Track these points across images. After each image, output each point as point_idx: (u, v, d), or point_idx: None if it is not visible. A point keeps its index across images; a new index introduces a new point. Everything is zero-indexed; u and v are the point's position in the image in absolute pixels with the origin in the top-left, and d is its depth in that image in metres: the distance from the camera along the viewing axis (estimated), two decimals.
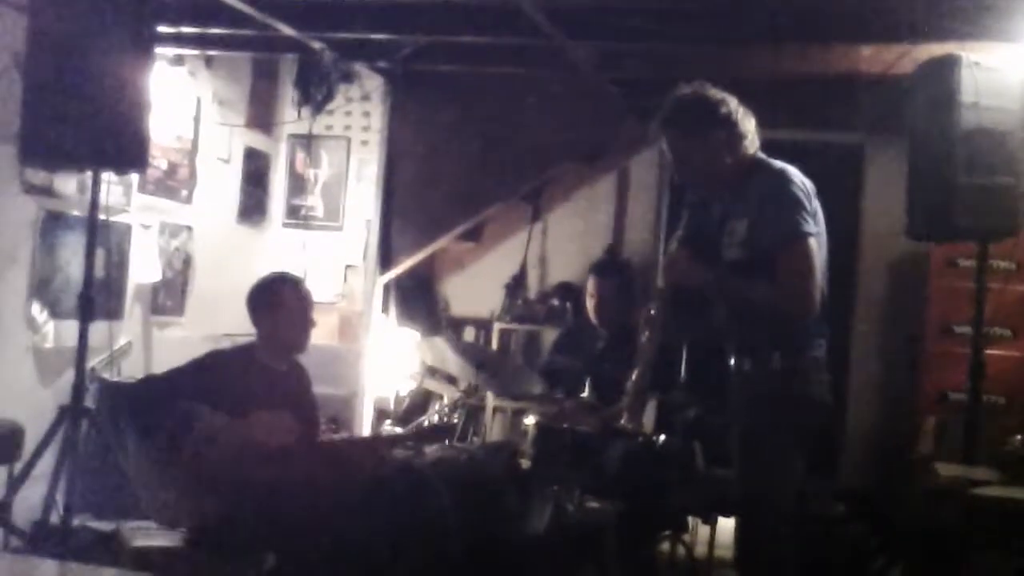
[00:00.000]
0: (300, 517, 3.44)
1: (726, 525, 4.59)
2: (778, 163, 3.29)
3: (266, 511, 3.42)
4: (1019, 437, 3.94)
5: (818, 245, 3.18)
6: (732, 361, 3.35)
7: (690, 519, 4.68)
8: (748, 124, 3.30)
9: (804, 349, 3.20)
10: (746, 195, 3.26)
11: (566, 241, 6.84)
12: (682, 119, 3.31)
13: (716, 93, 3.31)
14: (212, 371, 3.72)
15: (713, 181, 3.35)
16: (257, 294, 3.86)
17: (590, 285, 4.89)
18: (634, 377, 3.57)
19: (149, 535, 3.61)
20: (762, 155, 3.34)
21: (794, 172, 3.24)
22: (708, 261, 3.32)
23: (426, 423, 5.59)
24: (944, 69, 3.93)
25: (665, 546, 4.31)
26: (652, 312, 3.48)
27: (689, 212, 3.42)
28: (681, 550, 4.43)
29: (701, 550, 4.83)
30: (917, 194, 4.08)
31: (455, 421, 5.00)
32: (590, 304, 4.86)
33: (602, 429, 4.40)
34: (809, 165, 3.36)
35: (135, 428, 3.55)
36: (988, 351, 4.18)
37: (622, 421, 3.76)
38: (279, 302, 3.82)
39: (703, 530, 4.84)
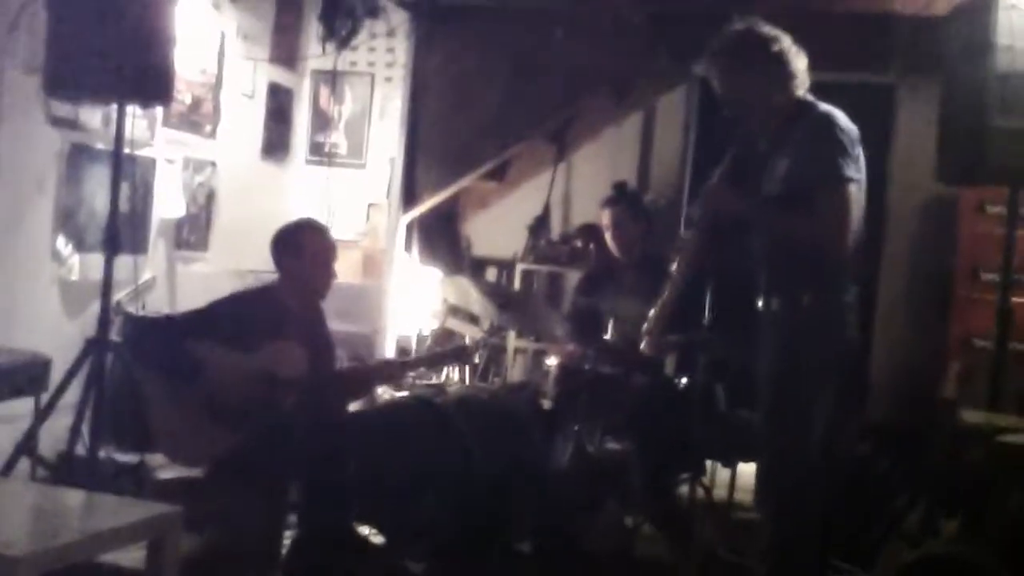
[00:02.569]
0: (319, 447, 3.47)
1: (745, 468, 4.59)
2: (825, 105, 3.30)
3: (283, 441, 3.45)
4: None
5: (858, 191, 3.19)
6: (760, 302, 3.35)
7: (709, 463, 4.68)
8: (799, 63, 3.32)
9: (835, 291, 3.22)
10: (791, 134, 3.28)
11: (590, 182, 6.77)
12: (734, 53, 3.34)
13: (769, 30, 3.33)
14: (231, 310, 3.74)
15: (760, 117, 3.38)
16: (281, 239, 3.87)
17: (604, 218, 4.85)
18: (658, 304, 3.59)
19: (173, 467, 3.66)
20: (810, 97, 3.35)
21: (841, 116, 3.25)
22: (749, 195, 3.35)
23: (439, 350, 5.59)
24: (980, 10, 3.84)
25: (684, 489, 4.32)
26: (686, 240, 3.49)
27: (734, 148, 3.43)
28: (700, 492, 4.44)
29: (720, 493, 4.84)
30: (949, 137, 4.01)
31: (466, 343, 4.97)
32: (609, 238, 4.83)
33: (621, 359, 4.41)
34: (840, 106, 3.37)
35: (149, 368, 3.58)
36: (1015, 298, 4.14)
37: (641, 347, 3.79)
38: (302, 249, 3.82)
39: (723, 473, 4.84)
